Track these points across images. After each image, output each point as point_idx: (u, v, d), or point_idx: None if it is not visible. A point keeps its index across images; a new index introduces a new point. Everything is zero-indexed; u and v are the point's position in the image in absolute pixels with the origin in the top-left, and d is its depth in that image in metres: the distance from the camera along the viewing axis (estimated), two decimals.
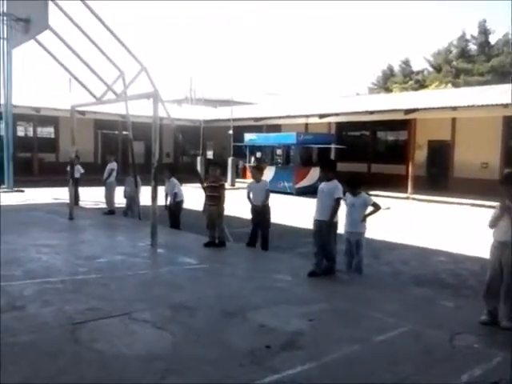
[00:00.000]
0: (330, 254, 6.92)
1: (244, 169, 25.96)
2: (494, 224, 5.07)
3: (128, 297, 5.84)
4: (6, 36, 16.04)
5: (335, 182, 6.86)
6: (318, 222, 6.87)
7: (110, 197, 13.15)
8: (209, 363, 4.06)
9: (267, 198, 8.75)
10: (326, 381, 3.84)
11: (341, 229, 7.06)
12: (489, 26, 49.88)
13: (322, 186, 6.99)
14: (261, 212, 8.70)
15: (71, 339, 4.51)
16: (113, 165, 13.26)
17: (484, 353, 4.42)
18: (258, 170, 9.34)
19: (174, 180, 10.65)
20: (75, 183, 13.36)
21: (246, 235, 9.16)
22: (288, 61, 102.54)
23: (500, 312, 5.07)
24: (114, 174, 13.19)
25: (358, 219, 7.01)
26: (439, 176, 22.23)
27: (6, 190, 18.56)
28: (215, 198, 8.64)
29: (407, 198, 20.10)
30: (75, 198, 13.37)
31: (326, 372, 3.98)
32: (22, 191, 18.40)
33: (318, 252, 6.86)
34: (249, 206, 8.86)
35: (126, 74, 11.00)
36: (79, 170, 14.81)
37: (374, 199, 7.20)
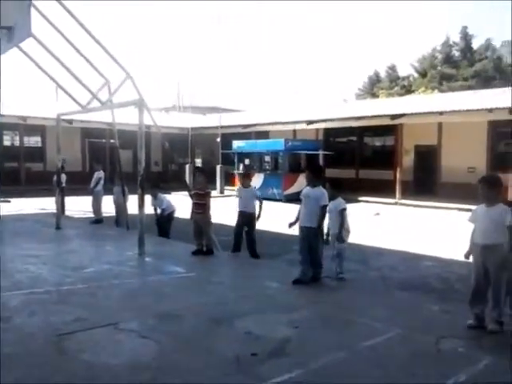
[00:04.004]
0: (318, 260, 6.91)
1: (233, 176, 25.91)
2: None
3: (115, 306, 5.80)
4: None
5: (321, 189, 6.84)
6: (305, 229, 6.82)
7: (97, 206, 13.07)
8: (195, 372, 4.03)
9: (260, 205, 8.80)
10: None
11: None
12: (471, 31, 50.67)
13: (308, 191, 6.91)
14: (249, 218, 8.75)
15: (57, 350, 4.46)
16: (100, 173, 13.20)
17: (470, 356, 4.44)
18: (246, 177, 9.48)
19: (160, 196, 10.68)
20: (61, 192, 13.26)
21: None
22: (275, 68, 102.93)
23: (487, 315, 5.10)
24: (102, 182, 13.13)
25: (336, 222, 7.03)
26: (427, 181, 22.38)
27: None
28: (201, 205, 8.63)
29: (395, 203, 20.20)
30: (61, 207, 13.27)
31: (312, 379, 3.97)
32: (9, 201, 18.21)
33: (304, 259, 6.83)
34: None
35: (111, 81, 10.98)
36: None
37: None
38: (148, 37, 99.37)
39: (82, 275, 7.26)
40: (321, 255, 6.95)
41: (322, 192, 6.80)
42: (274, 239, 10.92)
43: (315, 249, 6.82)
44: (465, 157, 20.64)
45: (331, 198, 7.15)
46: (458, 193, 18.79)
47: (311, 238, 6.77)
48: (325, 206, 6.75)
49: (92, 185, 13.12)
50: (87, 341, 4.70)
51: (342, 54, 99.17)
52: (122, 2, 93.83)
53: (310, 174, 7.06)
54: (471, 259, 5.22)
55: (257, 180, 22.20)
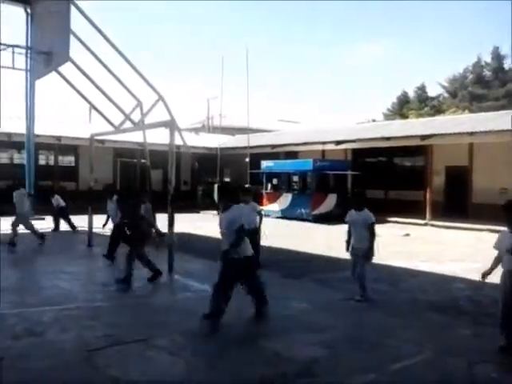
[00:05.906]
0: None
1: (261, 195, 25.98)
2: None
3: (144, 323, 5.88)
4: (29, 68, 16.57)
5: None
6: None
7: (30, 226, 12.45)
8: None
9: (260, 220, 8.95)
10: None
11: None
12: (502, 51, 50.32)
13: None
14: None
15: (87, 365, 4.54)
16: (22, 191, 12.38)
17: (503, 382, 4.34)
18: (245, 192, 9.08)
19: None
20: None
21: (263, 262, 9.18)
22: (305, 88, 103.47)
23: None
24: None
25: (362, 234, 6.96)
26: (457, 202, 21.98)
27: None
28: None
29: (426, 224, 19.88)
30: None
31: None
32: (43, 219, 18.64)
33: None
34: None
35: (143, 103, 11.25)
36: (58, 201, 15.11)
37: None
38: (180, 57, 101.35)
39: (112, 292, 7.37)
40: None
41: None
42: (300, 259, 10.88)
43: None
44: (496, 178, 20.25)
45: (356, 209, 7.06)
46: (490, 214, 18.36)
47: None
48: None
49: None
50: (116, 356, 4.77)
51: (370, 74, 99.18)
52: (154, 22, 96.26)
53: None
54: (498, 281, 5.14)
55: (285, 200, 22.26)
